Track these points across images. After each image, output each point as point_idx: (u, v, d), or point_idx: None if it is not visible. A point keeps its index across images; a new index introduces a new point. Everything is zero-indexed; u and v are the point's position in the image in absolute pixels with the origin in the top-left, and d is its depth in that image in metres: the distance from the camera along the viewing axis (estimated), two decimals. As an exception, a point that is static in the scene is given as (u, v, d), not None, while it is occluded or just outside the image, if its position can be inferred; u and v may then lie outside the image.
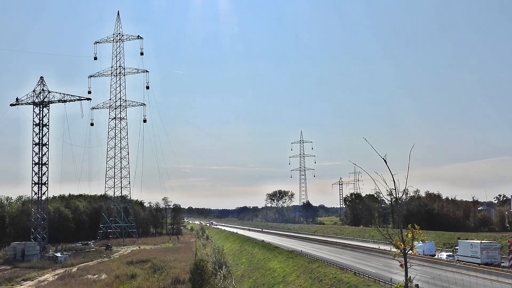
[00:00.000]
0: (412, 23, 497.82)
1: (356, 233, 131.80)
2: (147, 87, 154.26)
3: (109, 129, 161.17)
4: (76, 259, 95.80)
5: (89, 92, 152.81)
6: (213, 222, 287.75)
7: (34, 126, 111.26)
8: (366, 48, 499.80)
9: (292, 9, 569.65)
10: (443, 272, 44.96)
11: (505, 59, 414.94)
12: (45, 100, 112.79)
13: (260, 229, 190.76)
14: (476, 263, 56.74)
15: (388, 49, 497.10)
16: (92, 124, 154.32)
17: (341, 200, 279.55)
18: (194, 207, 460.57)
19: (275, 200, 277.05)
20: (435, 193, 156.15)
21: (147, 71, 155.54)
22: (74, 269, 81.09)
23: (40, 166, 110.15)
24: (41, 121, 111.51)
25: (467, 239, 70.80)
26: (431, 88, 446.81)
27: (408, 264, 15.93)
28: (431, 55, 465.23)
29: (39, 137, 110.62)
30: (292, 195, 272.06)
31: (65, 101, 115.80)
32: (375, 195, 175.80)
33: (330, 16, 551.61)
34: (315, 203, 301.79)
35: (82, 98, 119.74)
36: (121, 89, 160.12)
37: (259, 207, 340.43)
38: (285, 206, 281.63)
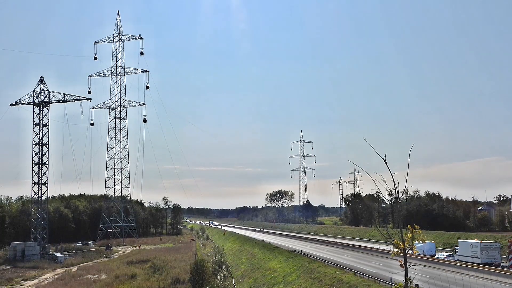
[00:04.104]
0: (422, 22, 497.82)
1: (356, 233, 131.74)
2: (147, 87, 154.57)
3: (109, 129, 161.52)
4: (76, 259, 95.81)
5: (89, 92, 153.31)
6: (213, 222, 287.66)
7: (34, 126, 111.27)
8: (372, 47, 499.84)
9: (299, 8, 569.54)
10: (443, 272, 44.93)
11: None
12: (45, 100, 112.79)
13: (260, 229, 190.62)
14: (476, 263, 56.71)
15: (391, 48, 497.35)
16: (92, 124, 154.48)
17: (341, 200, 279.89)
18: (194, 207, 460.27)
19: (275, 200, 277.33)
20: (435, 193, 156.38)
21: (147, 71, 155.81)
22: (74, 269, 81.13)
23: (40, 166, 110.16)
24: (41, 121, 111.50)
25: (467, 239, 70.75)
26: (434, 88, 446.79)
27: (408, 264, 15.95)
28: (438, 55, 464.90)
29: (39, 137, 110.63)
30: (292, 195, 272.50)
31: (65, 101, 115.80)
32: (375, 195, 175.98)
33: (338, 15, 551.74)
34: (315, 203, 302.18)
35: (82, 98, 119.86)
36: (121, 89, 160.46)
37: (259, 207, 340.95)
38: (285, 206, 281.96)
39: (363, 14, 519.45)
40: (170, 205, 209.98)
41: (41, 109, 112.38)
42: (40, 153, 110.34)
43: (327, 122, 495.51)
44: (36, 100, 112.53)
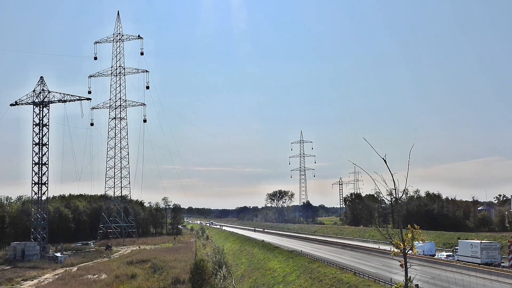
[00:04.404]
0: (423, 21, 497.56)
1: (356, 233, 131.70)
2: (147, 87, 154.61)
3: (109, 129, 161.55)
4: (76, 259, 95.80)
5: (89, 92, 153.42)
6: (213, 222, 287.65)
7: (34, 126, 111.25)
8: (372, 47, 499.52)
9: (299, 8, 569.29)
10: (443, 272, 44.91)
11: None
12: (45, 100, 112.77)
13: (262, 229, 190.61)
14: (476, 263, 56.69)
15: (391, 48, 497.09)
16: (92, 124, 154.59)
17: (341, 200, 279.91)
18: (194, 207, 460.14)
19: (275, 200, 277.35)
20: (435, 193, 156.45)
21: (147, 71, 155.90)
22: (74, 269, 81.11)
23: (40, 166, 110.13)
24: (41, 121, 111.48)
25: (467, 239, 70.75)
26: (434, 88, 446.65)
27: (408, 264, 15.94)
28: (439, 55, 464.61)
29: (39, 137, 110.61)
30: (292, 195, 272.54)
31: (65, 101, 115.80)
32: (375, 195, 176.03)
33: (338, 15, 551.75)
34: (315, 203, 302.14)
35: (82, 98, 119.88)
36: (121, 89, 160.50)
37: (259, 207, 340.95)
38: (285, 206, 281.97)
39: (363, 14, 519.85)
40: (170, 205, 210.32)
41: (41, 109, 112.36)
42: (40, 153, 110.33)
43: (327, 122, 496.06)
44: (36, 100, 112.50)
